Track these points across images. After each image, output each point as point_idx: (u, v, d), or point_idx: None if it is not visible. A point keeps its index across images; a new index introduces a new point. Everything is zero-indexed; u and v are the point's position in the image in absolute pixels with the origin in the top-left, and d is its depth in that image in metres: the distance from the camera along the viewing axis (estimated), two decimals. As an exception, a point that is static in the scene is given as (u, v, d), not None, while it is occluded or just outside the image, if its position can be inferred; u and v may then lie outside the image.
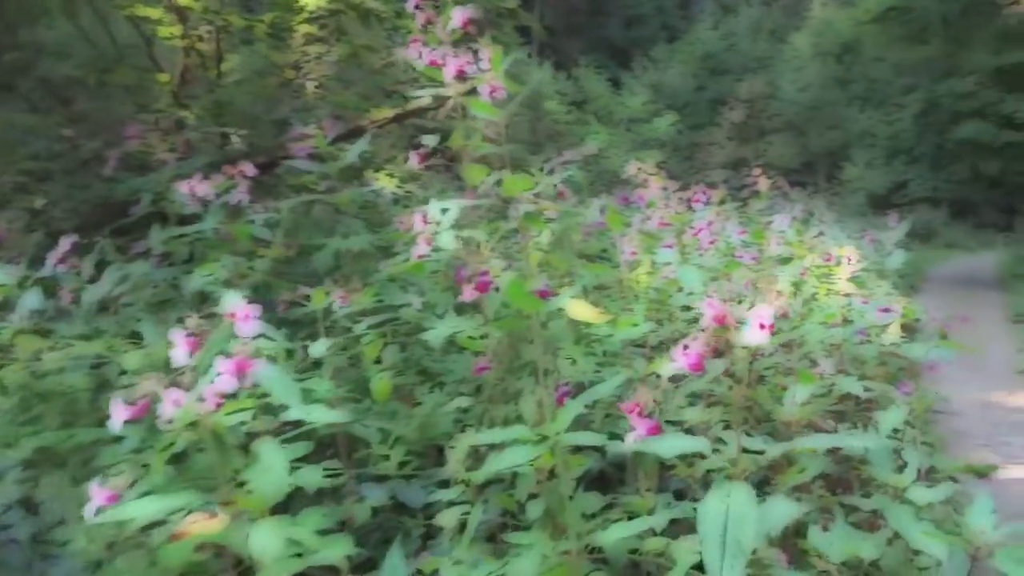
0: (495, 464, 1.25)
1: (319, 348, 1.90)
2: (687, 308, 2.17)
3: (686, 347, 0.96)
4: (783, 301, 0.95)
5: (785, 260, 4.91)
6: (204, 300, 2.55)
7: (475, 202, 1.77)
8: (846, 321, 2.74)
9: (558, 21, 46.43)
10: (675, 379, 2.00)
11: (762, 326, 0.90)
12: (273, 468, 1.08)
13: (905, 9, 19.52)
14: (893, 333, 4.25)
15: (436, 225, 2.01)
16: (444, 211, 1.99)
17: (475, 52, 1.64)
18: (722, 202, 6.23)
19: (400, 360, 2.60)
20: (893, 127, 21.02)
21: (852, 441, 1.15)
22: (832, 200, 15.31)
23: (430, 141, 2.06)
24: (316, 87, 6.77)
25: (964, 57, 18.45)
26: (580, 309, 1.38)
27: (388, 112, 6.14)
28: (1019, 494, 4.85)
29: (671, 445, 0.99)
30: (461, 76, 1.64)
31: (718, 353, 0.96)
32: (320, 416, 1.16)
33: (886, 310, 2.71)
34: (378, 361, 2.39)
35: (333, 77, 7.01)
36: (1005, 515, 4.45)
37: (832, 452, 2.29)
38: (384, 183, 6.09)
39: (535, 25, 7.64)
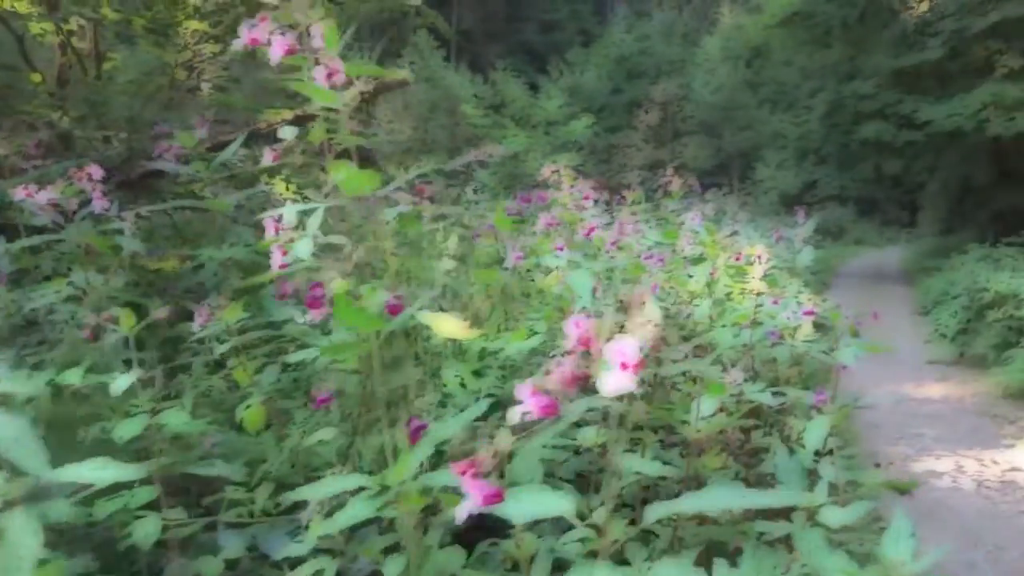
0: (339, 520, 1.02)
1: (122, 382, 1.61)
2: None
3: (539, 383, 0.75)
4: (654, 331, 0.75)
5: (698, 260, 4.83)
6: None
7: (337, 203, 1.53)
8: (755, 323, 2.61)
9: (475, 26, 46.47)
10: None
11: (625, 365, 0.70)
12: (20, 550, 0.82)
13: (808, 14, 20.21)
14: (806, 332, 4.21)
15: (295, 231, 1.76)
16: (305, 214, 1.74)
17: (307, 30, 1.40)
18: (636, 202, 6.14)
19: (279, 384, 2.33)
20: (801, 128, 21.74)
21: (754, 500, 0.95)
22: (746, 200, 15.65)
23: (288, 134, 1.80)
24: (212, 89, 6.37)
25: (864, 60, 19.22)
26: (445, 324, 1.16)
27: (286, 113, 5.81)
28: (934, 487, 4.91)
29: (522, 510, 0.77)
30: (291, 55, 1.39)
31: (586, 383, 0.76)
32: (95, 475, 0.91)
33: (807, 312, 2.59)
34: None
35: (229, 78, 6.62)
36: (920, 511, 4.44)
37: (746, 468, 2.13)
38: (278, 187, 5.75)
39: (442, 26, 7.45)
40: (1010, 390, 7.13)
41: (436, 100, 15.21)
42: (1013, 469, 5.27)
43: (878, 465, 5.27)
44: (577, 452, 1.67)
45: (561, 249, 2.31)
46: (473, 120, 15.25)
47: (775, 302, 3.73)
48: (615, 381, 0.70)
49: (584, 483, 1.64)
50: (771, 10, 22.66)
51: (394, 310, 1.16)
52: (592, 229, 2.36)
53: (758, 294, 4.26)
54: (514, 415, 0.71)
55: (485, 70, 22.61)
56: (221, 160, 2.89)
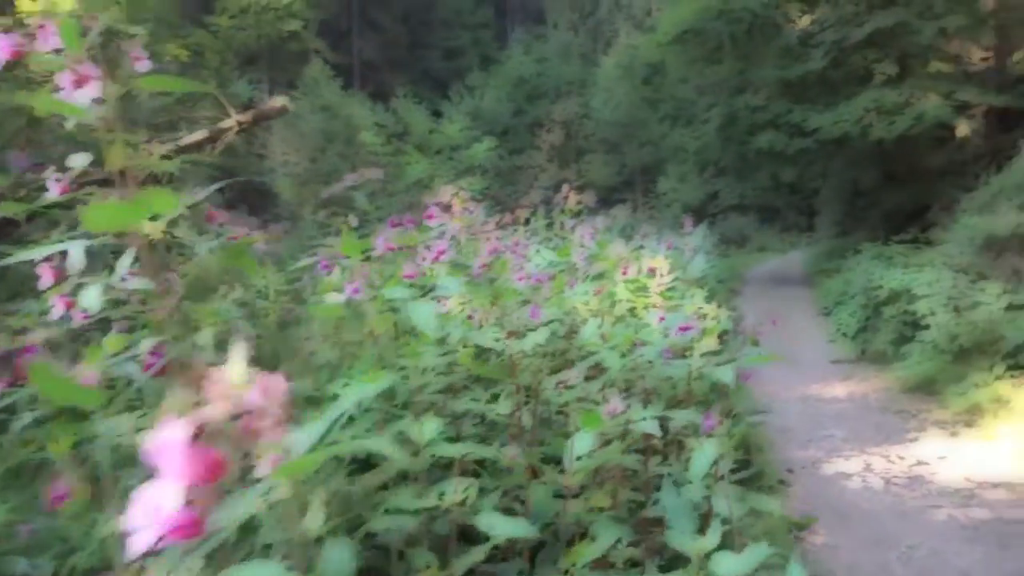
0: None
1: None
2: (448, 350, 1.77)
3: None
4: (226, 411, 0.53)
5: (598, 277, 4.70)
6: None
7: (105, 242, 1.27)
8: (642, 344, 2.45)
9: (378, 55, 46.24)
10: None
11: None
12: None
13: (699, 31, 20.90)
14: (708, 344, 4.11)
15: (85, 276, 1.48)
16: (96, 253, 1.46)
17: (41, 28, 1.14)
18: (526, 222, 5.99)
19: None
20: (700, 141, 22.38)
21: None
22: (650, 213, 15.88)
23: (80, 162, 1.52)
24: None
25: (754, 73, 19.94)
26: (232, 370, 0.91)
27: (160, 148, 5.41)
28: (846, 489, 4.91)
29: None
30: (17, 59, 1.14)
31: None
32: None
33: (683, 328, 2.44)
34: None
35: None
36: (834, 514, 4.37)
37: (634, 509, 1.95)
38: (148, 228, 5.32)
39: (327, 53, 7.19)
40: (909, 384, 7.34)
41: (335, 130, 14.86)
42: (919, 463, 5.35)
43: (791, 471, 5.25)
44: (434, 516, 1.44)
45: (411, 276, 2.08)
46: (373, 148, 14.95)
47: (661, 319, 3.61)
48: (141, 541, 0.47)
49: (446, 547, 1.41)
50: (663, 28, 23.36)
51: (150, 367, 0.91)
52: (441, 252, 2.13)
53: (657, 308, 4.14)
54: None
55: (389, 99, 22.35)
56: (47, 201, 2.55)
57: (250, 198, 12.13)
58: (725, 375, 1.89)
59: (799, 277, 17.66)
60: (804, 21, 19.76)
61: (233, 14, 6.27)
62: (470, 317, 2.17)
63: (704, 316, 4.61)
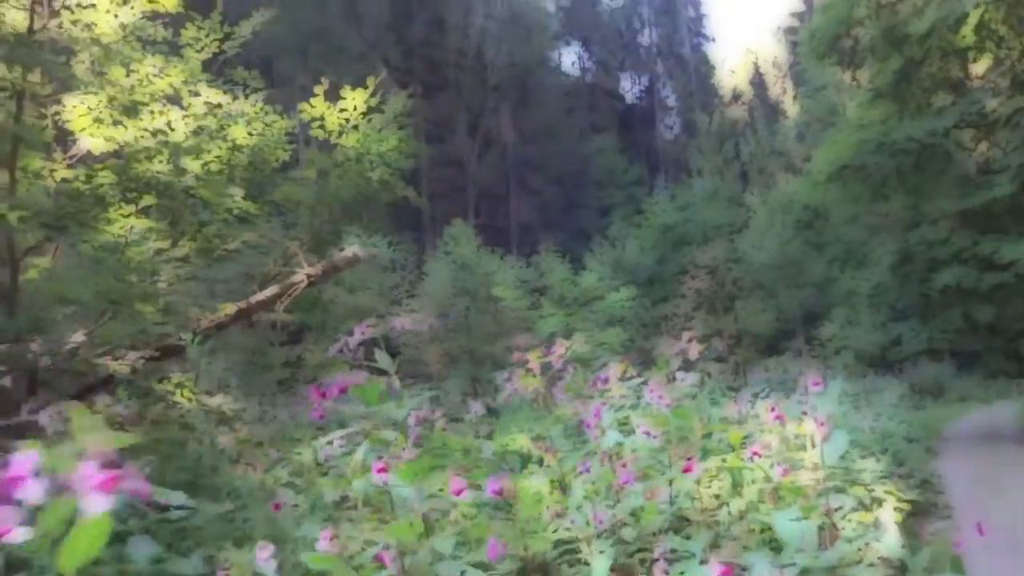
0: None
1: None
2: None
3: None
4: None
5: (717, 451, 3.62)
6: None
7: None
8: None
9: (534, 217, 48.04)
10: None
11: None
12: None
13: (859, 167, 19.60)
14: (888, 547, 2.85)
15: None
16: None
17: None
18: (629, 377, 4.97)
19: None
20: (870, 282, 20.31)
21: None
22: (811, 362, 14.08)
23: None
24: (168, 286, 5.76)
25: (928, 206, 18.18)
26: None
27: (229, 308, 5.09)
28: None
29: None
30: None
31: None
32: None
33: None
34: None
35: (186, 275, 6.03)
36: None
37: None
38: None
39: (417, 201, 6.93)
40: None
41: (470, 286, 14.78)
42: None
43: None
44: None
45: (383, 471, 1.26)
46: (507, 301, 14.61)
47: (827, 511, 2.50)
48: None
49: None
50: (819, 166, 22.18)
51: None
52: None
53: (814, 491, 2.99)
54: None
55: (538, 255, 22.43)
56: None
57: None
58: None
59: (1014, 432, 14.76)
60: (981, 147, 17.98)
61: (323, 167, 6.09)
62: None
63: (875, 501, 3.33)
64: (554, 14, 58.08)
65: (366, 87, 6.24)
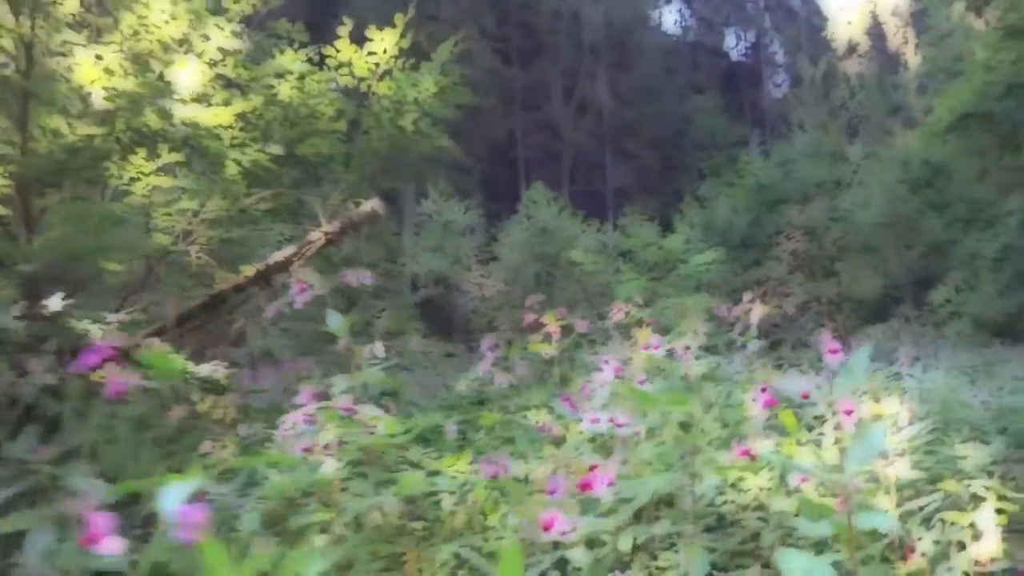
0: None
1: None
2: None
3: None
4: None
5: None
6: None
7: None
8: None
9: (631, 182, 46.76)
10: None
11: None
12: None
13: (985, 115, 17.63)
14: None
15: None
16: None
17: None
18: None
19: None
20: (996, 244, 18.27)
21: None
22: (921, 330, 12.71)
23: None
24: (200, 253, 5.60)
25: (1064, 155, 16.16)
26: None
27: (248, 271, 4.83)
28: None
29: None
30: None
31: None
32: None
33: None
34: None
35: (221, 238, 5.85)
36: None
37: None
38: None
39: (459, 154, 6.47)
40: None
41: (547, 251, 14.25)
42: None
43: None
44: None
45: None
46: (583, 266, 13.98)
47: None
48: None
49: None
50: (938, 115, 20.09)
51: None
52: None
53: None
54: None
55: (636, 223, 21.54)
56: None
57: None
58: None
59: None
60: None
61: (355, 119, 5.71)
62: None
63: (973, 498, 2.65)
64: (655, -30, 55.79)
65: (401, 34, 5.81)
